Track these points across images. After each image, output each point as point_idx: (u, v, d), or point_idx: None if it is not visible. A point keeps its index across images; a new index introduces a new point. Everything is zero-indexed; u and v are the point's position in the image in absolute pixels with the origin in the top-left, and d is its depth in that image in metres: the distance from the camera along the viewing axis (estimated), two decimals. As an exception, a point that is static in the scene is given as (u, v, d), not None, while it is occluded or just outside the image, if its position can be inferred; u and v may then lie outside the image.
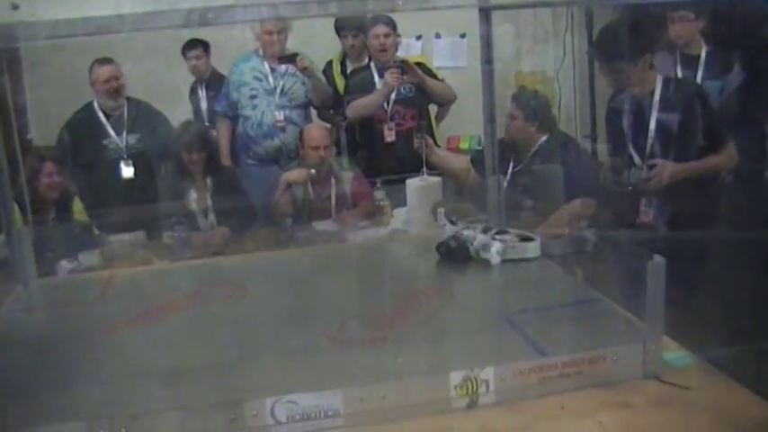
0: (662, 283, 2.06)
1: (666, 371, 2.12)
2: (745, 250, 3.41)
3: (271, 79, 5.22)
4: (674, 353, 2.21)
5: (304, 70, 5.14)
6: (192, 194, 4.58)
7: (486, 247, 2.89)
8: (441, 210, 3.08)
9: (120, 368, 2.31)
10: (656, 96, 3.75)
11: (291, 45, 5.21)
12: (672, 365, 2.15)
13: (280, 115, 5.17)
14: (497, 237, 2.93)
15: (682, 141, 3.67)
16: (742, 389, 2.06)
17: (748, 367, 2.23)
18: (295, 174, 4.75)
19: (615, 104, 4.02)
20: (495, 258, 2.86)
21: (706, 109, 3.86)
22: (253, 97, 5.21)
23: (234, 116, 5.33)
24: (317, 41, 5.54)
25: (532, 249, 2.95)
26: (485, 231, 2.99)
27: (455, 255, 2.95)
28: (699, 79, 4.19)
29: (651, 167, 3.69)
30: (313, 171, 4.69)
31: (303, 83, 5.25)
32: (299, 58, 5.09)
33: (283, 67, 5.18)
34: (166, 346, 2.47)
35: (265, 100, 5.20)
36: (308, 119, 5.39)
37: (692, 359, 2.22)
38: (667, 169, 3.67)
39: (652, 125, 3.74)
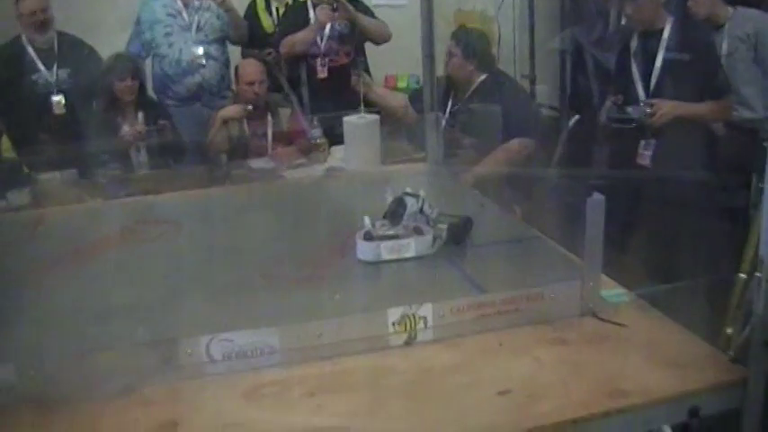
0: (601, 220, 2.07)
1: (603, 308, 2.14)
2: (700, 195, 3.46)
3: (185, 15, 5.10)
4: (610, 290, 2.23)
5: (222, 4, 5.04)
6: (126, 130, 4.47)
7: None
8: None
9: (52, 308, 2.26)
10: (665, 35, 3.75)
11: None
12: (608, 303, 2.17)
13: (199, 51, 5.07)
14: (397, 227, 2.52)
15: (685, 83, 3.68)
16: (675, 325, 2.09)
17: (681, 304, 2.26)
18: (231, 110, 4.66)
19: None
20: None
21: (712, 55, 3.94)
22: (168, 35, 5.09)
23: (147, 56, 5.20)
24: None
25: (409, 248, 2.46)
26: (419, 211, 2.59)
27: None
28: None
29: (651, 106, 3.70)
30: (249, 107, 4.61)
31: (218, 17, 5.15)
32: None
33: (197, 2, 5.06)
34: (99, 285, 2.41)
35: (182, 36, 5.08)
36: (225, 54, 5.30)
37: (629, 296, 2.24)
38: (666, 107, 3.68)
39: (658, 64, 3.75)
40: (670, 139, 3.67)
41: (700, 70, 3.68)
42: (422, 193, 2.61)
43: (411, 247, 2.45)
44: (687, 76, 3.65)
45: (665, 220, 3.47)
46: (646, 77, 3.76)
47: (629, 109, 3.74)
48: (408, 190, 2.63)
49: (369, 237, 2.45)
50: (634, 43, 3.85)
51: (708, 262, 3.05)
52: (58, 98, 4.70)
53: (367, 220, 2.50)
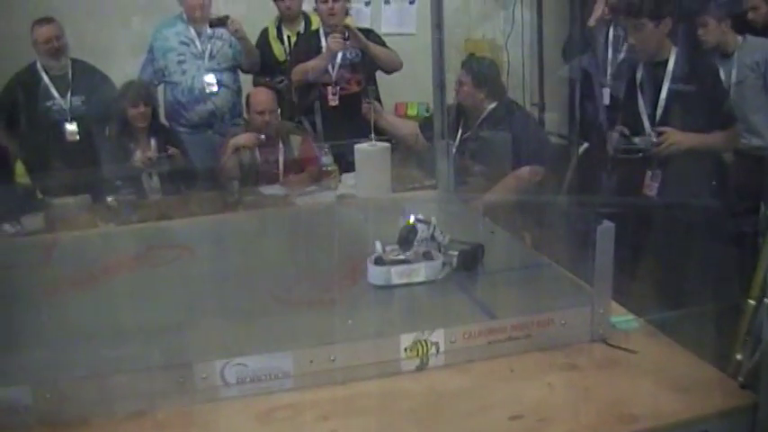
0: (611, 248, 2.09)
1: (613, 334, 2.16)
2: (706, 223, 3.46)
3: (198, 43, 5.14)
4: (620, 316, 2.25)
5: (235, 32, 5.10)
6: (137, 156, 4.51)
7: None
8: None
9: (66, 330, 2.27)
10: (670, 66, 3.74)
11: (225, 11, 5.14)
12: (618, 329, 2.19)
13: (211, 79, 5.12)
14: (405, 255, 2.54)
15: (691, 114, 3.67)
16: (684, 351, 2.11)
17: (691, 330, 2.27)
18: (243, 138, 4.70)
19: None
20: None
21: (717, 85, 3.95)
22: (181, 62, 5.14)
23: (160, 83, 5.24)
24: (246, 7, 5.46)
25: (419, 273, 2.48)
26: (430, 237, 2.61)
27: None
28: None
29: (659, 135, 3.69)
30: (262, 136, 4.65)
31: (231, 45, 5.21)
32: (230, 21, 5.04)
33: (210, 30, 5.12)
34: (113, 308, 2.44)
35: (194, 64, 5.13)
36: (237, 82, 5.35)
37: (638, 322, 2.25)
38: (673, 137, 3.66)
39: (663, 94, 3.74)
40: (677, 170, 3.67)
41: (705, 101, 3.66)
42: (433, 219, 2.63)
43: (421, 271, 2.47)
44: (693, 107, 3.64)
45: (673, 248, 3.47)
46: (651, 108, 3.77)
47: (636, 139, 3.74)
48: (420, 216, 2.65)
49: (380, 261, 2.48)
50: (640, 74, 3.85)
51: (716, 289, 3.05)
52: (71, 126, 4.75)
53: (378, 245, 2.53)
